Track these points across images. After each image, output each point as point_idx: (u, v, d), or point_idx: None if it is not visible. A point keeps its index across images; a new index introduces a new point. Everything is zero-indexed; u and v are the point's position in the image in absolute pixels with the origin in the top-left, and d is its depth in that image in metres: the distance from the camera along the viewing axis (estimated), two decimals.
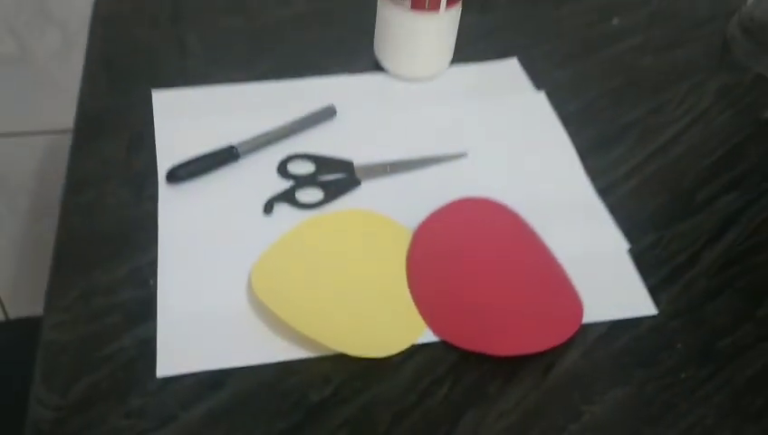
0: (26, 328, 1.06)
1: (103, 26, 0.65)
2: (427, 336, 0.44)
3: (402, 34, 0.59)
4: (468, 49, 0.66)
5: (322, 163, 0.55)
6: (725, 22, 0.73)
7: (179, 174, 0.52)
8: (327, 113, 0.58)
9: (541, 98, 0.62)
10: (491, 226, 0.50)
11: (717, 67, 0.68)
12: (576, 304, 0.46)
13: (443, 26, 0.59)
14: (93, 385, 0.41)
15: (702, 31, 0.72)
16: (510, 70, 0.65)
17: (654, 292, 0.48)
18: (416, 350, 0.43)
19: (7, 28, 0.88)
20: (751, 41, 0.68)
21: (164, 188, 0.52)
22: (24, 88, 0.93)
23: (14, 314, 1.26)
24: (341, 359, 0.42)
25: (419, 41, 0.60)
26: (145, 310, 0.44)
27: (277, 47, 0.65)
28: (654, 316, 0.47)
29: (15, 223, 1.11)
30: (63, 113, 0.95)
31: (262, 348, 0.43)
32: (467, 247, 0.48)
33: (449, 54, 0.63)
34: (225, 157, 0.54)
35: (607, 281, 0.48)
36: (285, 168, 0.54)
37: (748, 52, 0.68)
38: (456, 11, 0.59)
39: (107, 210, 0.50)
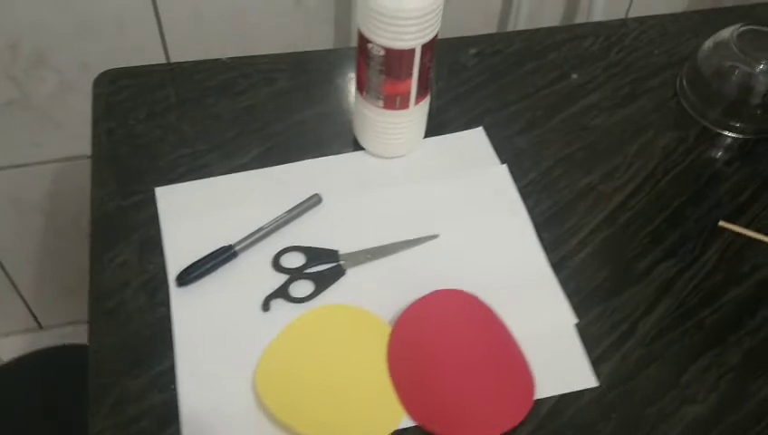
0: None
1: (104, 119, 0.72)
2: (405, 422, 0.53)
3: (377, 126, 0.66)
4: (440, 116, 0.73)
5: (311, 254, 0.63)
6: (679, 70, 0.78)
7: (187, 278, 0.60)
8: (313, 202, 0.66)
9: (503, 172, 0.69)
10: (460, 316, 0.58)
11: (666, 121, 0.75)
12: (530, 385, 0.55)
13: (414, 118, 0.66)
14: None
15: (656, 80, 0.78)
16: (476, 140, 0.72)
17: (596, 364, 0.57)
18: None
19: (6, 76, 0.94)
20: (696, 94, 0.74)
21: (175, 292, 0.60)
22: (28, 126, 1.00)
23: (46, 322, 1.37)
24: None
25: (393, 131, 0.67)
26: (171, 413, 0.53)
27: (265, 128, 0.72)
28: (595, 388, 0.56)
29: (33, 240, 1.20)
30: (63, 145, 1.04)
31: None
32: (439, 339, 0.57)
33: (421, 134, 0.70)
34: (225, 257, 0.62)
35: (556, 357, 0.57)
36: (278, 262, 0.62)
37: (694, 105, 0.74)
38: (425, 102, 0.66)
39: (127, 317, 0.58)
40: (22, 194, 1.11)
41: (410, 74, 0.61)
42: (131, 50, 0.92)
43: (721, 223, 0.65)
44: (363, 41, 0.59)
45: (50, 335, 1.37)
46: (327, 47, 0.97)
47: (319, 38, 0.96)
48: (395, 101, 0.63)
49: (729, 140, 0.74)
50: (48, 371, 1.02)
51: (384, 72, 0.60)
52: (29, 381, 1.00)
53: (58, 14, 0.86)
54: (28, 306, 1.33)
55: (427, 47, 0.59)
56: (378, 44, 0.58)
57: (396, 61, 0.59)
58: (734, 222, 0.66)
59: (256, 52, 0.96)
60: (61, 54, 0.92)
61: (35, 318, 1.36)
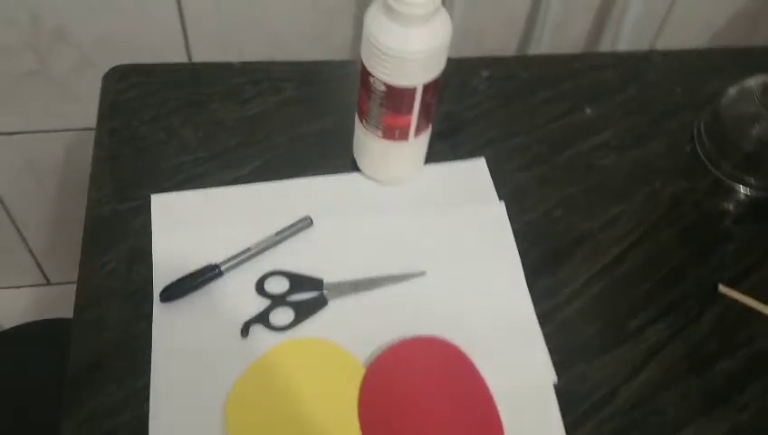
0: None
1: (109, 118, 0.72)
2: None
3: (376, 154, 0.65)
4: (443, 141, 0.71)
5: (295, 281, 0.62)
6: (698, 113, 0.75)
7: (171, 294, 0.60)
8: (304, 225, 0.65)
9: (500, 210, 0.67)
10: (435, 366, 0.57)
11: (678, 167, 0.72)
12: None
13: (412, 149, 0.65)
14: None
15: (673, 122, 0.75)
16: (477, 172, 0.70)
17: (570, 428, 0.56)
18: None
19: (29, 47, 0.94)
20: (713, 142, 0.71)
21: (158, 307, 0.60)
22: (47, 96, 1.01)
23: (54, 278, 1.41)
24: None
25: (392, 160, 0.65)
26: (142, 432, 0.54)
27: (266, 140, 0.71)
28: None
29: (47, 200, 1.22)
30: (79, 116, 1.04)
31: None
32: (412, 388, 0.56)
33: (420, 164, 0.68)
34: (210, 276, 0.61)
35: (531, 417, 0.56)
36: (262, 286, 0.62)
37: (709, 153, 0.71)
38: (426, 134, 0.64)
39: (109, 329, 0.59)
40: (37, 158, 1.12)
41: (411, 110, 0.59)
42: (150, 31, 0.91)
43: (721, 288, 0.63)
44: (365, 73, 0.58)
45: (57, 290, 1.41)
46: (346, 44, 0.95)
47: (339, 34, 0.94)
48: (394, 133, 0.62)
49: (741, 196, 0.71)
50: (46, 341, 1.04)
51: (384, 105, 0.59)
52: (24, 351, 1.02)
53: None
54: (38, 262, 1.36)
55: (429, 86, 0.57)
56: (379, 80, 0.56)
57: (396, 97, 0.58)
58: (735, 286, 0.64)
59: (275, 41, 0.95)
60: (80, 31, 0.91)
61: (44, 274, 1.39)
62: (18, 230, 1.26)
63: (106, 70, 0.77)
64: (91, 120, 1.05)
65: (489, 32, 0.96)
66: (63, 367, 0.59)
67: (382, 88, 0.57)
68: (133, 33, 0.92)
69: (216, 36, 0.94)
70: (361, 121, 0.63)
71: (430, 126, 0.64)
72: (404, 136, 0.62)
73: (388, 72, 0.56)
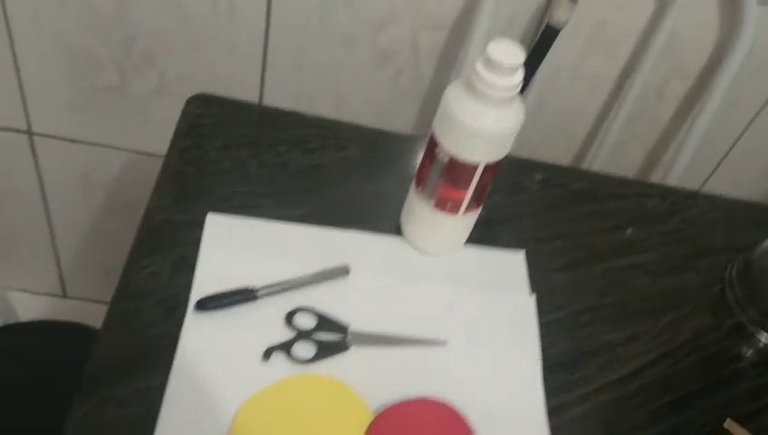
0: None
1: (184, 137, 0.77)
2: None
3: (423, 222, 0.69)
4: (487, 227, 0.74)
5: (323, 321, 0.64)
6: (733, 259, 0.78)
7: (206, 306, 0.63)
8: (341, 272, 0.68)
9: (530, 302, 0.69)
10: (440, 431, 0.58)
11: (705, 304, 0.74)
12: None
13: (460, 225, 0.68)
14: None
15: (707, 261, 0.78)
16: (515, 264, 0.73)
17: None
18: None
19: (115, 63, 1.01)
20: (742, 288, 0.74)
21: (190, 317, 0.62)
22: (122, 113, 1.07)
23: (71, 292, 1.42)
24: None
25: (437, 231, 0.69)
26: (145, 429, 0.55)
27: (322, 189, 0.75)
28: None
29: (89, 215, 1.26)
30: (144, 139, 1.10)
31: None
32: None
33: (462, 241, 0.72)
34: (245, 297, 0.64)
35: None
36: (291, 318, 0.64)
37: (737, 297, 0.74)
38: (475, 214, 0.68)
39: (140, 325, 0.61)
40: (92, 171, 1.17)
41: (467, 186, 0.63)
42: (231, 73, 0.98)
43: (727, 423, 0.64)
44: (433, 143, 0.62)
45: (70, 304, 1.43)
46: (408, 123, 1.01)
47: (405, 112, 1.00)
48: (446, 205, 0.65)
49: (761, 344, 0.73)
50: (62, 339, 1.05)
51: (443, 176, 0.63)
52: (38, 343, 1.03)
53: (178, 27, 0.93)
54: (61, 274, 1.38)
55: (490, 166, 0.62)
56: (445, 151, 0.61)
57: (457, 170, 0.62)
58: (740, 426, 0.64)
59: (343, 106, 1.01)
60: (168, 60, 0.98)
61: (63, 286, 1.41)
62: (53, 238, 1.30)
63: (181, 99, 0.82)
64: (154, 147, 1.11)
65: (546, 141, 1.01)
66: (75, 368, 0.61)
67: (446, 159, 0.62)
68: (214, 71, 0.98)
69: (290, 92, 1.00)
70: (417, 187, 0.67)
71: (480, 208, 0.68)
72: (455, 209, 0.66)
73: (455, 145, 0.60)
